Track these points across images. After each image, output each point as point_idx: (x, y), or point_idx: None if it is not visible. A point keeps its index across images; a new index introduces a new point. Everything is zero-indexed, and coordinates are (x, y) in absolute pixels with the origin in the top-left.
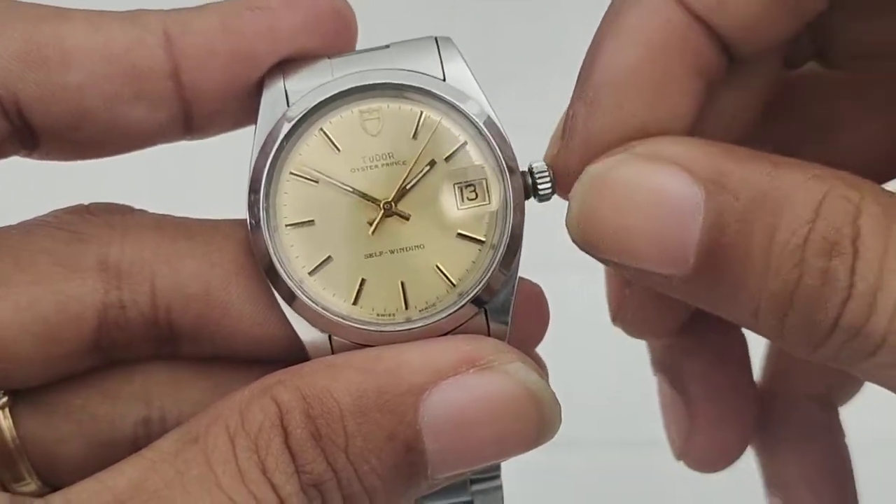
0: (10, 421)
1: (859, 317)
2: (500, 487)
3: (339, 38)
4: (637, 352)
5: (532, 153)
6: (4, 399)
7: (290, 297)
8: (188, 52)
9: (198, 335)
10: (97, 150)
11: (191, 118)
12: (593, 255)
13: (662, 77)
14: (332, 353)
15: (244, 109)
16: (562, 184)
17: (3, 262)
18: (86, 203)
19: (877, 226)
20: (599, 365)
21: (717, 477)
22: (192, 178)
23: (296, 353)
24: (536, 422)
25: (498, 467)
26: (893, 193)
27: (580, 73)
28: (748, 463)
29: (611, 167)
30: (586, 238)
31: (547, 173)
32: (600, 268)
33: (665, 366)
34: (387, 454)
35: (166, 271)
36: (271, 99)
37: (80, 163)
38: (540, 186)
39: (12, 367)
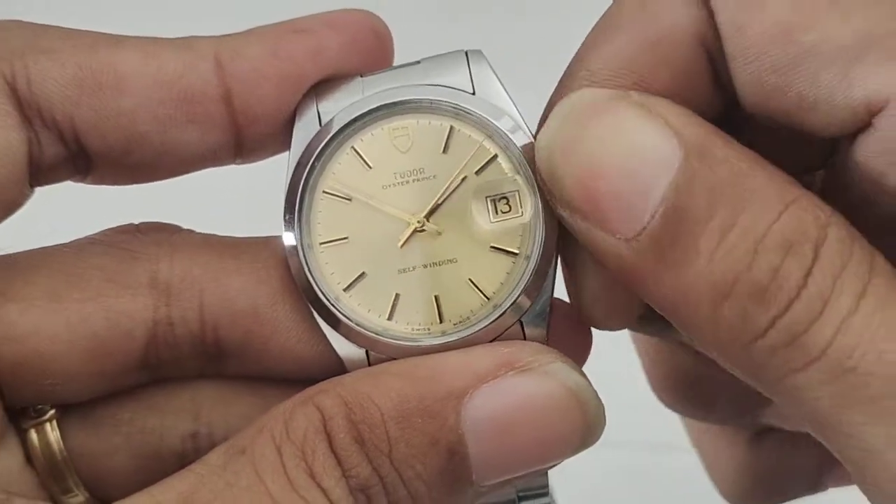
0: (59, 433)
1: (802, 321)
2: None
3: (377, 56)
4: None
5: None
6: (52, 412)
7: (327, 314)
8: (239, 77)
9: (244, 352)
10: (149, 174)
11: (241, 141)
12: (551, 191)
13: None
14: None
15: (290, 132)
16: None
17: (56, 279)
18: (135, 223)
19: (842, 240)
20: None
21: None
22: (232, 200)
23: (337, 371)
24: (580, 422)
25: (546, 484)
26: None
27: None
28: None
29: (602, 98)
30: (551, 163)
31: None
32: None
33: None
34: (431, 459)
35: (214, 288)
36: (305, 120)
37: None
38: None
39: (62, 381)
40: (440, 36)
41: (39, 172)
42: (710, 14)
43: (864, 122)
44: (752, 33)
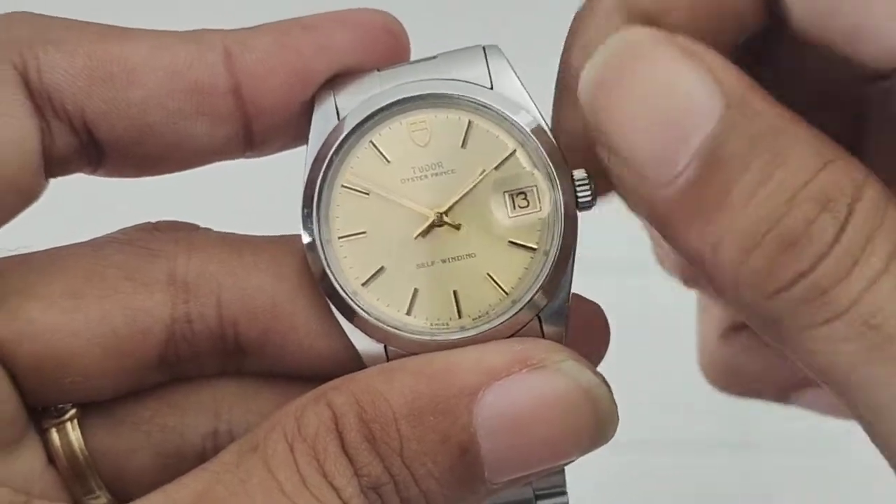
0: (80, 433)
1: (830, 278)
2: None
3: (389, 54)
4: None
5: None
6: (73, 411)
7: (345, 309)
8: (248, 69)
9: (263, 349)
10: (159, 167)
11: (251, 134)
12: (589, 120)
13: None
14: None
15: (301, 126)
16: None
17: (74, 277)
18: (153, 221)
19: (878, 200)
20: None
21: (718, 478)
22: (251, 198)
23: (355, 367)
24: (593, 420)
25: (563, 482)
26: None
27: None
28: (752, 465)
29: (649, 40)
30: (593, 99)
31: (587, 182)
32: (612, 269)
33: None
34: (442, 457)
35: (232, 284)
36: (322, 114)
37: (143, 186)
38: (580, 195)
39: (82, 379)
40: (460, 33)
41: (52, 163)
42: None
43: None
44: None
